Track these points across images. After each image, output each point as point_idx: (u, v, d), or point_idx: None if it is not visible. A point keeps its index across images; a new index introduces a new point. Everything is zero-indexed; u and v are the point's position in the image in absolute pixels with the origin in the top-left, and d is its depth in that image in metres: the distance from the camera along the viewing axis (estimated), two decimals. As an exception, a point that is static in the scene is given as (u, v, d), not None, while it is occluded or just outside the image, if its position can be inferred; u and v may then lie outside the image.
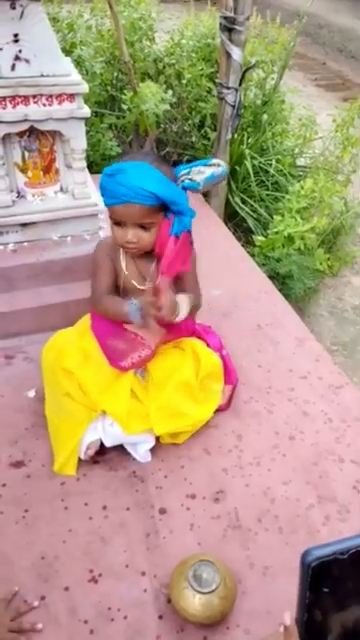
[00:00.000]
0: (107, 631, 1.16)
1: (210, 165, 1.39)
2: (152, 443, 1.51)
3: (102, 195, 1.36)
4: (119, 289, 1.54)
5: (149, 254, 1.45)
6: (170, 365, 1.54)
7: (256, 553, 1.32)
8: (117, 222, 1.37)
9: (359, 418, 1.71)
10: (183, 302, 1.44)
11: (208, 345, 1.65)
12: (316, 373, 1.88)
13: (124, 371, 1.49)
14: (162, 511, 1.40)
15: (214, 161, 1.41)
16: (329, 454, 1.59)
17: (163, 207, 1.34)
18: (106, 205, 1.36)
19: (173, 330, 1.55)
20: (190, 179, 1.36)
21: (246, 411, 1.71)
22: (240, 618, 1.20)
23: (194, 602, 1.13)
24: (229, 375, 1.70)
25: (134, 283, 1.50)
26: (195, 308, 1.56)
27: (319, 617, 0.62)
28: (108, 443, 1.48)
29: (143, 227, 1.36)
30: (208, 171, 1.38)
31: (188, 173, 1.38)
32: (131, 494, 1.44)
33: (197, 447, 1.57)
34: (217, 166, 1.38)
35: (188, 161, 3.20)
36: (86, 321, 1.63)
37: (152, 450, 1.52)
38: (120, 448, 1.51)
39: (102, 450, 1.51)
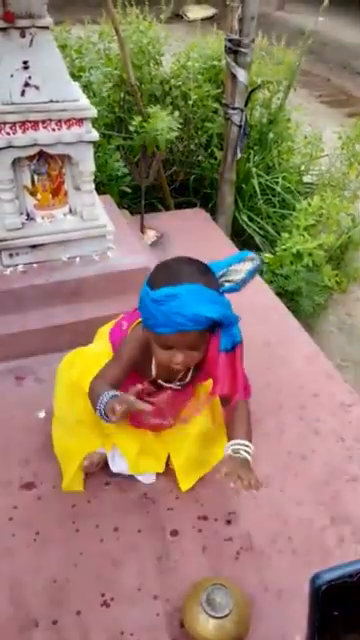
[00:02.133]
0: (120, 657, 1.15)
1: (244, 260, 1.31)
2: (159, 471, 1.52)
3: (146, 320, 1.19)
4: (149, 384, 1.42)
5: None
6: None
7: (270, 576, 1.30)
8: (165, 346, 1.21)
9: (371, 436, 1.70)
10: (247, 447, 1.29)
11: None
12: (327, 391, 1.87)
13: (141, 427, 1.47)
14: (173, 533, 1.39)
15: (248, 255, 1.32)
16: (342, 473, 1.57)
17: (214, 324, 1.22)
18: (153, 332, 1.19)
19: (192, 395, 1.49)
20: (228, 281, 1.27)
21: (257, 430, 1.67)
22: (254, 642, 1.18)
23: (208, 627, 1.12)
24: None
25: (161, 382, 1.41)
26: (250, 429, 1.38)
27: None
28: (114, 470, 1.49)
29: (193, 347, 1.22)
30: (244, 268, 1.29)
31: (225, 274, 1.28)
32: (142, 516, 1.43)
33: (208, 467, 1.56)
34: (252, 260, 1.30)
35: (195, 180, 3.23)
36: (104, 338, 1.57)
37: (163, 471, 1.52)
38: (131, 469, 1.51)
39: (113, 472, 1.51)
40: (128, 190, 2.85)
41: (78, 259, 2.04)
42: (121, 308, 1.99)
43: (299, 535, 1.40)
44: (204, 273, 1.21)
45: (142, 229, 2.63)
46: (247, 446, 1.29)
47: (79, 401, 1.46)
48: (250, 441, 1.31)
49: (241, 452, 1.27)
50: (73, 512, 1.43)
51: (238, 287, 1.29)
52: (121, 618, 1.22)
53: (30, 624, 1.21)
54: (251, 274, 1.30)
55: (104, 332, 1.60)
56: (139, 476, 1.51)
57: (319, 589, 0.57)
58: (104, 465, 1.52)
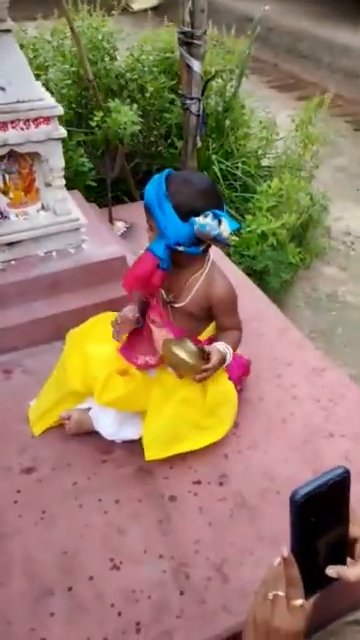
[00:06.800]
0: (134, 611, 1.25)
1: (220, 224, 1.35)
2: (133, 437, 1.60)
3: None
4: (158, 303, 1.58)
5: (178, 269, 1.46)
6: (173, 383, 1.56)
7: (263, 526, 1.43)
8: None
9: (344, 396, 1.83)
10: (221, 348, 1.49)
11: (229, 377, 1.63)
12: (300, 359, 2.00)
13: (136, 366, 1.56)
14: (172, 499, 1.50)
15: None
16: (320, 431, 1.71)
17: None
18: None
19: None
20: (206, 223, 1.33)
21: (239, 400, 1.81)
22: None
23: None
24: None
25: (163, 293, 1.53)
26: (235, 344, 1.57)
27: (310, 543, 0.75)
28: (97, 428, 1.61)
29: (152, 230, 1.41)
30: (217, 228, 1.34)
31: (207, 216, 1.33)
32: (141, 486, 1.53)
33: (197, 437, 1.67)
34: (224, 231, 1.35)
35: (158, 170, 3.31)
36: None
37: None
38: (125, 445, 1.60)
39: (109, 449, 1.60)
40: (94, 184, 2.91)
41: (54, 253, 2.10)
42: (100, 298, 2.08)
43: (286, 489, 1.50)
44: (198, 190, 1.34)
45: (111, 220, 2.71)
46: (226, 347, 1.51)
47: (71, 359, 1.62)
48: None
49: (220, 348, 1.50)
50: (75, 489, 1.52)
51: (202, 228, 1.32)
52: (131, 578, 1.32)
53: (46, 593, 1.29)
54: (220, 238, 1.36)
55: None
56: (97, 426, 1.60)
57: (298, 502, 0.71)
58: (97, 439, 1.61)
